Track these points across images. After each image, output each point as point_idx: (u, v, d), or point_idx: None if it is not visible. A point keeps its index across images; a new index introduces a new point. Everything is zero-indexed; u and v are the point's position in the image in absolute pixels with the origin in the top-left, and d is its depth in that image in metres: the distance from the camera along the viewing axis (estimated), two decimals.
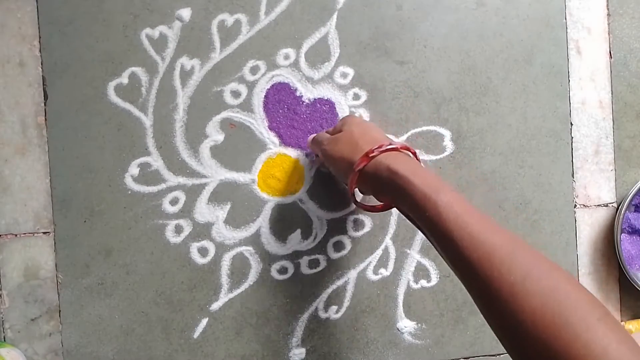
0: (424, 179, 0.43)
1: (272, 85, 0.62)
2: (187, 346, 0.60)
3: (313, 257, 0.62)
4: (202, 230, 0.61)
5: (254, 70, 0.61)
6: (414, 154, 0.49)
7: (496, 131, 0.65)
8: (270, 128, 0.62)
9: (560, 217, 0.66)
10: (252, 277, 0.61)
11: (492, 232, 0.38)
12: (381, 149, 0.46)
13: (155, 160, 0.60)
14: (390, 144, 0.47)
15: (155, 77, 0.60)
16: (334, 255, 0.63)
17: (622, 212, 0.65)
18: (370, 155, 0.46)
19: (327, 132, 0.57)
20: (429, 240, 0.43)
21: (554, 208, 0.66)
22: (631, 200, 0.65)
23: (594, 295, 0.35)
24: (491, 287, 0.36)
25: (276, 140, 0.62)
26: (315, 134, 0.60)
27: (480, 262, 0.37)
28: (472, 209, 0.40)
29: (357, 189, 0.51)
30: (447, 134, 0.64)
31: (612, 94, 0.68)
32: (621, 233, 0.66)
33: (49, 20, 0.58)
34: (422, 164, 0.48)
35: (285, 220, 0.62)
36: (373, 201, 0.51)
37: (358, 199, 0.51)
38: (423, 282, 0.64)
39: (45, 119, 0.59)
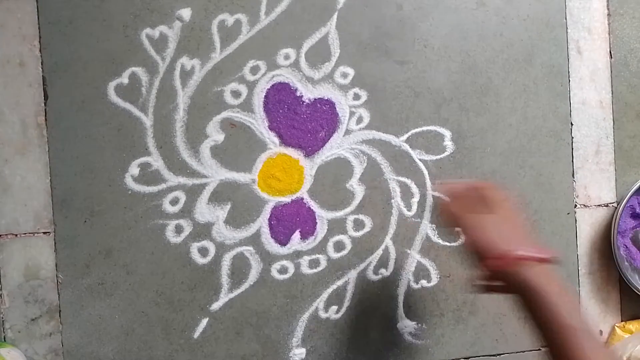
0: (567, 311, 0.41)
1: (273, 85, 0.62)
2: (187, 346, 0.60)
3: (313, 257, 0.62)
4: (203, 230, 0.61)
5: (254, 70, 0.61)
6: (547, 260, 0.45)
7: (496, 131, 0.65)
8: (271, 128, 0.62)
9: (560, 217, 0.66)
10: (252, 277, 0.61)
11: None
12: (517, 256, 0.44)
13: (156, 160, 0.60)
14: (529, 254, 0.44)
15: (155, 77, 0.60)
16: (334, 255, 0.63)
17: (619, 213, 0.65)
18: (506, 261, 0.44)
19: (468, 186, 0.52)
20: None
21: (554, 208, 0.66)
22: (626, 204, 0.65)
23: None
24: None
25: (276, 140, 0.62)
26: (458, 187, 0.53)
27: None
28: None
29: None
30: (447, 133, 0.64)
31: (612, 94, 0.68)
32: (617, 234, 0.66)
33: (49, 20, 0.58)
34: (557, 282, 0.44)
35: (286, 220, 0.62)
36: None
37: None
38: (423, 282, 0.64)
39: (45, 119, 0.59)
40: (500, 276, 0.45)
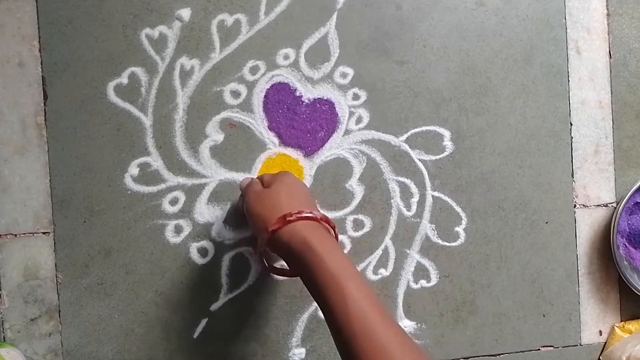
0: (337, 262, 0.43)
1: (272, 85, 0.62)
2: (187, 346, 0.60)
3: None
4: (202, 231, 0.61)
5: (254, 70, 0.62)
6: (334, 228, 0.49)
7: (496, 131, 0.65)
8: (270, 128, 0.62)
9: (559, 217, 0.66)
10: (251, 277, 0.61)
11: (393, 342, 0.39)
12: (300, 215, 0.46)
13: (155, 160, 0.60)
14: (310, 212, 0.46)
15: (155, 77, 0.60)
16: None
17: (619, 213, 0.65)
18: (288, 219, 0.46)
19: (260, 179, 0.55)
20: (325, 319, 0.42)
21: (553, 208, 0.66)
22: (625, 203, 0.65)
23: None
24: None
25: (276, 140, 0.62)
26: (248, 179, 0.57)
27: None
28: (379, 307, 0.41)
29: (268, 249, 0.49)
30: (446, 133, 0.64)
31: (611, 94, 0.68)
32: (617, 234, 0.66)
33: (48, 20, 0.58)
34: (337, 242, 0.48)
35: None
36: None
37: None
38: (423, 282, 0.64)
39: (45, 119, 0.59)
40: (281, 243, 0.46)
